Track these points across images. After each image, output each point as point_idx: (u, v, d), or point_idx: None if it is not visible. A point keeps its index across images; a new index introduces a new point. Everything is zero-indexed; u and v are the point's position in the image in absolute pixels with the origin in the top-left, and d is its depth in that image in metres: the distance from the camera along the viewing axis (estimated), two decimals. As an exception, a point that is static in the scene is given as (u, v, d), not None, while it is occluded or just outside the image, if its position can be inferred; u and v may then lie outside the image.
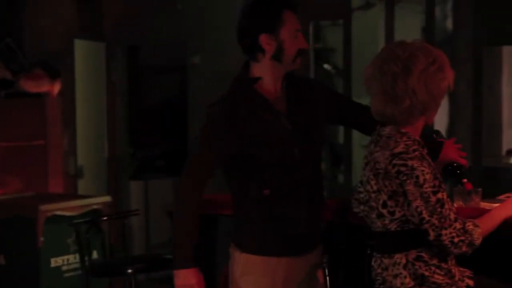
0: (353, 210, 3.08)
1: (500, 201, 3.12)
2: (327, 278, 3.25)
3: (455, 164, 3.22)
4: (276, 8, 3.07)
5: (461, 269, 2.85)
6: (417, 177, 2.68)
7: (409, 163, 2.69)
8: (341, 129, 7.40)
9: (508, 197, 3.13)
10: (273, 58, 3.08)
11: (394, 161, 2.71)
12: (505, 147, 7.13)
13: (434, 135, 3.27)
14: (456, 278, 2.79)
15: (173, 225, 3.10)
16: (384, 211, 2.78)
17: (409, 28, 7.43)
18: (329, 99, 3.24)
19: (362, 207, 2.93)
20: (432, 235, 2.70)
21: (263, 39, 3.06)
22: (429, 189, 2.68)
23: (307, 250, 3.15)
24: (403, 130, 2.77)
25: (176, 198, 3.10)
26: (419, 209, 2.69)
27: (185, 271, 3.05)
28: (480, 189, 3.25)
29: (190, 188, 3.07)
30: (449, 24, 7.71)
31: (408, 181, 2.69)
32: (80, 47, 6.99)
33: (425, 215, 2.69)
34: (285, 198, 3.08)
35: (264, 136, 3.05)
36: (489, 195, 3.33)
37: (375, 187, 2.79)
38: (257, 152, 3.05)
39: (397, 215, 2.76)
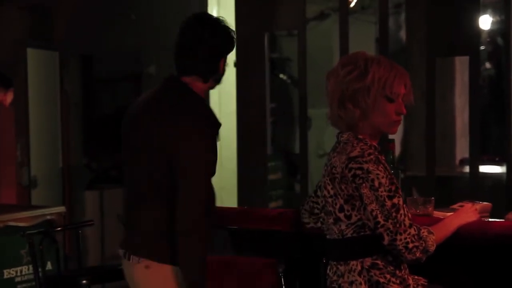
0: (303, 221, 3.12)
1: (454, 210, 3.15)
2: (283, 287, 3.26)
3: None
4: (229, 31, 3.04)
5: (416, 277, 2.87)
6: (372, 180, 2.70)
7: (365, 166, 2.71)
8: (296, 138, 7.41)
9: (462, 206, 3.15)
10: (216, 80, 3.07)
11: (350, 165, 2.73)
12: (458, 156, 7.21)
13: None
14: (411, 287, 2.81)
15: (196, 247, 2.88)
16: (341, 215, 2.79)
17: (364, 38, 7.50)
18: None
19: (319, 213, 2.96)
20: (386, 239, 2.71)
21: (222, 62, 3.05)
22: (384, 193, 2.70)
23: None
24: (360, 137, 2.80)
25: (193, 220, 2.86)
26: (374, 213, 2.71)
27: None
28: (433, 198, 3.28)
29: (204, 207, 2.89)
30: (403, 34, 7.79)
31: (363, 184, 2.71)
32: (33, 56, 6.91)
33: (380, 219, 2.71)
34: None
35: None
36: (443, 204, 3.36)
37: (331, 192, 2.80)
38: None
39: (354, 219, 2.77)
